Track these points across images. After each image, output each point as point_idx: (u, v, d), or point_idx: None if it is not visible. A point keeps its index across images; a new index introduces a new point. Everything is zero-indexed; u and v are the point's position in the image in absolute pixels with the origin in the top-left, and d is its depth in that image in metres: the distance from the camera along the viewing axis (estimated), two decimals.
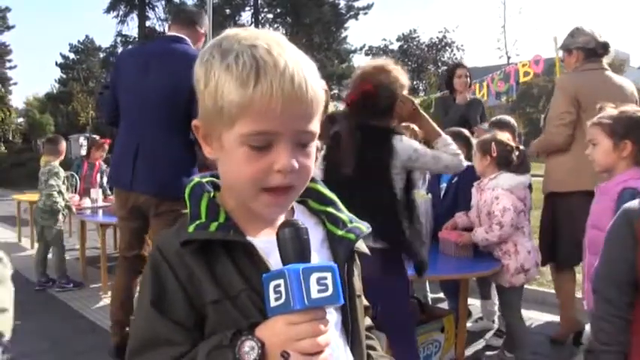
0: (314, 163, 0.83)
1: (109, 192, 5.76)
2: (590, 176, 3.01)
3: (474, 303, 4.03)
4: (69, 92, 31.44)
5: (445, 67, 27.42)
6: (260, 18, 32.88)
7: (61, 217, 5.08)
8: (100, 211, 5.29)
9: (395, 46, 33.70)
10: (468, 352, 3.41)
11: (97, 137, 8.33)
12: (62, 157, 5.27)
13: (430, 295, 4.11)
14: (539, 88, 22.20)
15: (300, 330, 0.71)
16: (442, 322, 3.11)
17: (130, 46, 26.13)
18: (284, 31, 28.55)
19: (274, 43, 0.77)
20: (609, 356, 1.55)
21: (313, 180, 0.89)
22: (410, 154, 2.19)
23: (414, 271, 2.23)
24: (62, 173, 5.10)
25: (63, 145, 5.35)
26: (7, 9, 36.41)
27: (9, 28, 36.82)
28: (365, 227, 0.92)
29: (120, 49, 30.84)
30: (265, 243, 0.80)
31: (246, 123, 0.75)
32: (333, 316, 0.84)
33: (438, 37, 33.28)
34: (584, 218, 2.44)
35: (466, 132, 3.59)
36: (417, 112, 2.35)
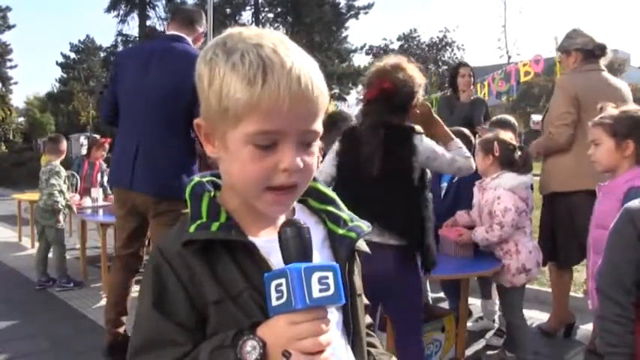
0: (317, 162, 0.83)
1: (109, 191, 5.76)
2: (591, 176, 3.01)
3: (475, 302, 4.03)
4: (69, 92, 31.46)
5: (445, 67, 27.43)
6: (261, 17, 32.87)
7: (61, 216, 5.07)
8: (101, 211, 5.29)
9: (395, 45, 33.63)
10: (469, 351, 3.41)
11: (98, 137, 8.34)
12: (63, 157, 5.28)
13: (430, 295, 4.10)
14: (540, 88, 22.19)
15: (301, 329, 0.71)
16: (442, 322, 3.11)
17: (130, 46, 26.15)
18: (284, 31, 28.53)
19: (279, 42, 0.77)
20: (617, 358, 1.55)
21: (313, 179, 0.89)
22: (429, 155, 2.23)
23: (421, 268, 2.27)
24: (63, 172, 5.10)
25: (64, 144, 5.35)
26: (8, 8, 36.55)
27: (10, 27, 36.91)
28: (366, 226, 0.92)
29: (120, 49, 30.84)
30: (266, 242, 0.80)
31: (252, 122, 0.75)
32: (334, 315, 0.84)
33: (438, 37, 33.24)
34: (585, 218, 2.44)
35: (467, 131, 3.59)
36: (432, 117, 2.42)
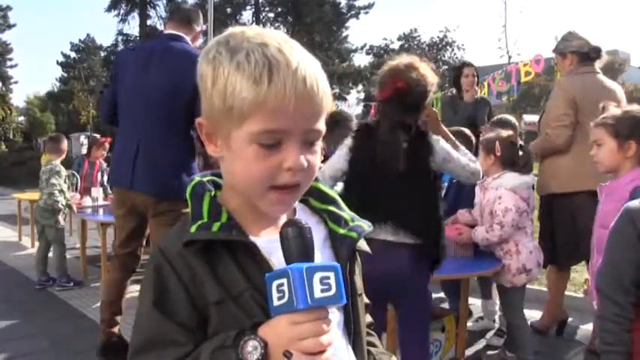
0: (319, 161, 0.83)
1: (109, 191, 5.76)
2: (591, 177, 3.02)
3: (475, 302, 4.03)
4: (70, 91, 31.46)
5: (446, 67, 27.41)
6: (261, 17, 32.88)
7: (61, 216, 5.07)
8: (101, 210, 5.30)
9: (396, 45, 33.64)
10: (469, 351, 3.42)
11: (98, 136, 8.35)
12: (64, 156, 5.28)
13: None
14: (541, 88, 22.18)
15: (303, 329, 0.71)
16: (443, 322, 3.11)
17: (130, 45, 26.15)
18: (285, 30, 28.51)
19: (284, 42, 0.78)
20: (614, 356, 1.55)
21: (315, 179, 0.89)
22: (444, 156, 2.24)
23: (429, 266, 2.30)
24: (64, 172, 5.10)
25: (65, 143, 5.35)
26: (8, 8, 36.52)
27: (10, 26, 36.90)
28: (367, 225, 0.92)
29: (121, 48, 30.84)
30: (267, 242, 0.80)
31: (257, 121, 0.75)
32: (335, 315, 0.84)
33: (438, 37, 33.23)
34: (586, 218, 2.44)
35: (467, 131, 3.59)
36: (438, 124, 2.46)
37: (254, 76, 0.74)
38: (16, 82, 38.72)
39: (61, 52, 39.21)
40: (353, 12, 33.13)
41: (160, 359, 0.77)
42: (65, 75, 37.96)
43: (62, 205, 4.99)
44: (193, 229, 0.79)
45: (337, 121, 3.02)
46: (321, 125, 0.80)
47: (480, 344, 3.63)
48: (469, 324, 3.69)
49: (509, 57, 27.76)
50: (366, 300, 0.98)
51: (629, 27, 77.07)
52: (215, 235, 0.78)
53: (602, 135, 2.24)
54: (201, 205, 0.82)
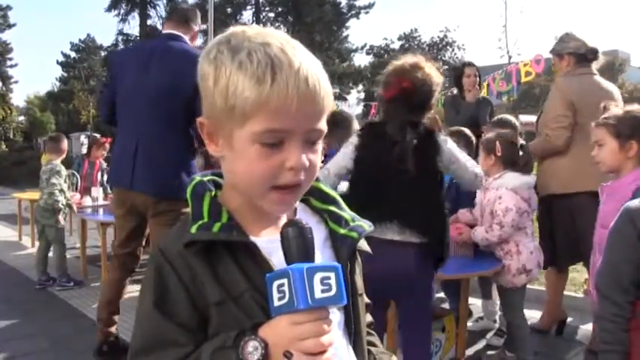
0: (320, 161, 0.83)
1: (109, 190, 5.76)
2: (590, 177, 3.02)
3: (475, 302, 4.03)
4: (70, 91, 31.49)
5: (446, 67, 27.40)
6: (261, 17, 32.89)
7: (61, 215, 5.07)
8: (101, 210, 5.30)
9: (396, 45, 33.65)
10: (469, 351, 3.41)
11: (98, 136, 8.35)
12: (64, 156, 5.27)
13: None
14: (541, 88, 22.18)
15: (303, 330, 0.71)
16: (443, 322, 3.11)
17: (129, 45, 26.14)
18: (285, 30, 28.49)
19: (286, 42, 0.78)
20: (612, 355, 1.56)
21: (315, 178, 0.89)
22: (451, 157, 2.25)
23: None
24: (64, 172, 5.10)
25: (65, 143, 5.35)
26: (9, 7, 36.54)
27: (10, 26, 36.90)
28: (367, 225, 0.92)
29: (120, 48, 30.85)
30: (268, 243, 0.80)
31: (260, 121, 0.75)
32: (335, 315, 0.84)
33: (439, 37, 33.24)
34: (586, 219, 2.44)
35: (467, 131, 3.59)
36: (438, 127, 2.43)
37: (257, 76, 0.74)
38: (16, 82, 38.77)
39: (61, 52, 39.29)
40: (353, 12, 33.14)
41: None
42: (65, 75, 37.97)
43: (62, 204, 4.99)
44: (194, 229, 0.79)
45: (337, 122, 3.02)
46: (323, 125, 0.80)
47: (480, 344, 3.62)
48: (469, 324, 3.68)
49: (510, 57, 27.75)
50: (366, 300, 0.98)
51: (629, 27, 77.04)
52: (215, 235, 0.78)
53: (603, 135, 2.24)
54: (201, 204, 0.82)
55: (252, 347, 0.72)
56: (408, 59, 2.29)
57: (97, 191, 5.62)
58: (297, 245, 0.74)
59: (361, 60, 52.37)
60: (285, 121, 0.75)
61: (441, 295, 4.14)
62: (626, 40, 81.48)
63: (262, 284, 0.74)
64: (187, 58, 2.90)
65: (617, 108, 2.27)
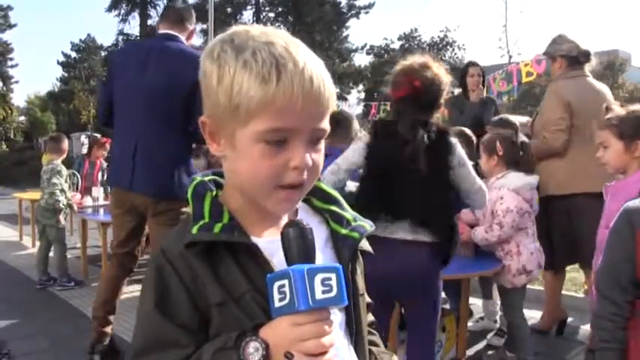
0: (322, 160, 0.83)
1: (109, 190, 5.77)
2: (587, 178, 3.03)
3: (476, 303, 4.03)
4: (70, 91, 31.49)
5: (447, 67, 27.40)
6: (262, 17, 32.89)
7: (62, 215, 5.08)
8: (102, 210, 5.30)
9: (396, 45, 33.63)
10: (470, 351, 3.41)
11: (99, 136, 8.35)
12: (65, 156, 5.28)
13: None
14: (541, 88, 22.19)
15: (304, 331, 0.71)
16: (443, 322, 3.10)
17: (127, 44, 26.10)
18: (285, 30, 28.54)
19: (289, 41, 0.78)
20: (609, 353, 1.57)
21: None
22: (459, 160, 2.24)
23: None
24: (65, 172, 5.11)
25: (65, 143, 5.35)
26: (9, 7, 36.54)
27: (11, 26, 36.91)
28: (368, 225, 0.91)
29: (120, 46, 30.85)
30: (269, 243, 0.80)
31: (264, 120, 0.75)
32: (337, 316, 0.84)
33: (439, 37, 33.22)
34: (583, 220, 2.44)
35: (468, 131, 3.59)
36: None
37: (262, 75, 0.74)
38: (16, 82, 38.78)
39: (62, 52, 39.29)
40: (353, 12, 33.13)
41: None
42: (66, 75, 37.97)
43: (63, 204, 5.00)
44: (195, 229, 0.79)
45: (337, 122, 3.02)
46: (326, 124, 0.80)
47: (481, 344, 3.62)
48: (470, 324, 3.68)
49: (510, 57, 27.73)
50: (368, 299, 0.98)
51: (630, 27, 77.06)
52: (217, 236, 0.78)
53: (607, 137, 2.24)
54: (202, 205, 0.82)
55: (253, 348, 0.72)
56: (416, 59, 2.29)
57: (98, 191, 5.62)
58: (298, 246, 0.74)
59: (361, 60, 52.40)
60: (289, 120, 0.75)
61: (442, 295, 4.14)
62: (626, 40, 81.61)
63: (263, 285, 0.74)
64: (184, 58, 2.91)
65: (619, 108, 2.27)
